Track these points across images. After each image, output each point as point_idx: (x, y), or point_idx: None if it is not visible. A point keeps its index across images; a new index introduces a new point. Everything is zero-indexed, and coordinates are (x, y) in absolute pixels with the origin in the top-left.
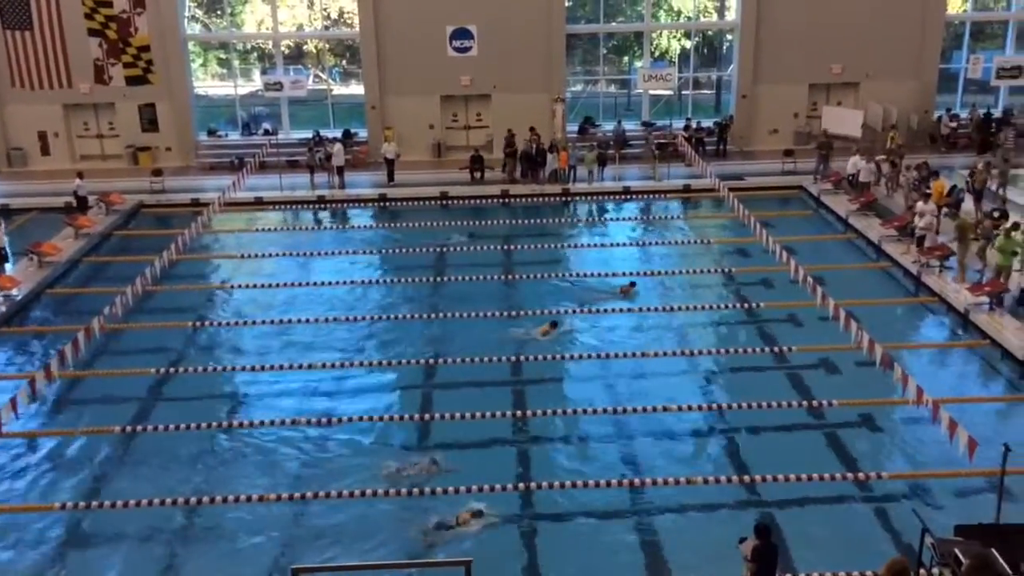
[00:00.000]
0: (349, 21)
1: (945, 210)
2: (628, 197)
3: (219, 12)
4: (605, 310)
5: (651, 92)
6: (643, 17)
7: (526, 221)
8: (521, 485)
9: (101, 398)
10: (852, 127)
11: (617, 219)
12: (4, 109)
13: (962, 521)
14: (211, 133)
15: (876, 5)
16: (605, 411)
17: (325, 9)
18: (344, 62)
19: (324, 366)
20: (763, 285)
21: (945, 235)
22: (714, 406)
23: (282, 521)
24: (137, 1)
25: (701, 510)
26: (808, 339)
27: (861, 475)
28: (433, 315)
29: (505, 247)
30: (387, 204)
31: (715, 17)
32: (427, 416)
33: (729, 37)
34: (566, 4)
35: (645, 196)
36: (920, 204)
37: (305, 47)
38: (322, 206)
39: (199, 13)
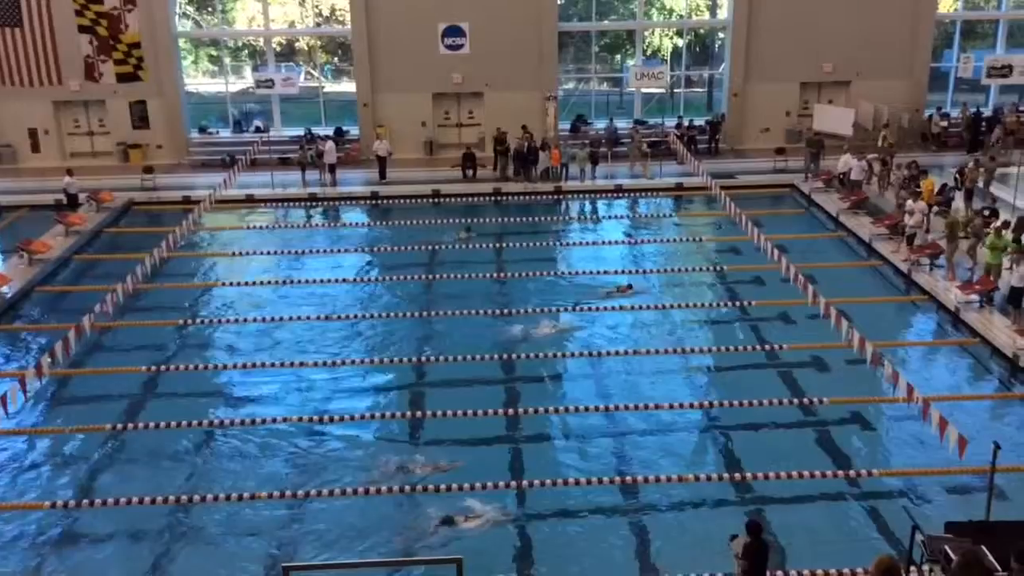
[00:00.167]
0: (341, 18)
1: (935, 208)
2: (620, 195)
3: (210, 9)
4: (597, 308)
5: (643, 90)
6: (635, 15)
7: (518, 219)
8: (514, 483)
9: (92, 396)
10: (843, 125)
11: (609, 217)
12: None
13: (952, 518)
14: (202, 130)
15: (867, 4)
16: (597, 409)
17: (317, 6)
18: (336, 59)
19: (316, 364)
20: (755, 283)
21: (935, 233)
22: (706, 404)
23: (273, 519)
24: None
25: (693, 507)
26: (799, 337)
27: (852, 472)
28: (425, 313)
29: (497, 245)
30: (379, 202)
31: (707, 15)
32: (419, 414)
33: (721, 35)
34: (558, 2)
35: (637, 194)
36: (910, 203)
37: (297, 44)
38: (314, 204)
39: (190, 10)
